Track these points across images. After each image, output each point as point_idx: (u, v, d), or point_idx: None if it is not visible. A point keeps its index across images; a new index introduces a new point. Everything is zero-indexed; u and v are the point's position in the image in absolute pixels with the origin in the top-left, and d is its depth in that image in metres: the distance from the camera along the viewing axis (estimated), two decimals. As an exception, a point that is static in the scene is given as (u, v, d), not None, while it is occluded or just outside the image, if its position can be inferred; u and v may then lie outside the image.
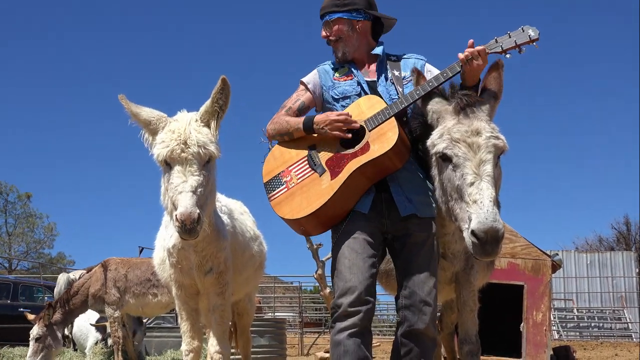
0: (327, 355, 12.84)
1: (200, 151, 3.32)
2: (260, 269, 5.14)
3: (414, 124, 3.38)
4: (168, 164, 3.32)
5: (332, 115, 3.26)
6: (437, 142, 3.03)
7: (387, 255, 3.47)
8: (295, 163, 3.38)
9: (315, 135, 3.35)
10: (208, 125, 3.45)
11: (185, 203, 3.14)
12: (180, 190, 3.21)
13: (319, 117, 3.31)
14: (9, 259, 38.81)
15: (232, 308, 4.29)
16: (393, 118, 3.20)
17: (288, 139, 3.44)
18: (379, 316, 26.17)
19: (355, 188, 3.24)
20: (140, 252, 13.23)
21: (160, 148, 3.32)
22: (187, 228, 3.13)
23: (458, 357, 5.19)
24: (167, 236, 4.00)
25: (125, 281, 8.77)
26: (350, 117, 3.26)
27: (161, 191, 3.45)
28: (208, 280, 3.93)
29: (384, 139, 3.17)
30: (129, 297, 8.76)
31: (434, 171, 3.14)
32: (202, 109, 3.49)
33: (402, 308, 3.22)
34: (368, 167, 3.18)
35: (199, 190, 3.25)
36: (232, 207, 4.53)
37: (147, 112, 3.43)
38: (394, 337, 3.41)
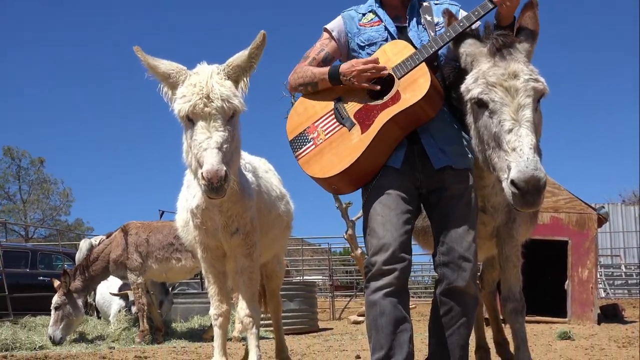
0: (361, 318, 13.01)
1: (225, 105, 3.34)
2: (288, 230, 5.18)
3: (447, 70, 3.34)
4: (190, 120, 3.34)
5: (358, 65, 3.22)
6: (471, 87, 3.00)
7: (423, 211, 3.48)
8: (321, 118, 3.36)
9: (342, 86, 3.33)
10: (234, 80, 3.48)
11: (212, 160, 3.17)
12: (205, 146, 3.23)
13: (345, 67, 3.27)
14: (25, 227, 39.55)
15: (260, 270, 4.34)
16: (423, 63, 3.17)
17: (312, 91, 3.42)
18: (413, 278, 26.33)
19: (388, 141, 3.22)
20: (161, 215, 13.38)
21: (181, 103, 3.33)
22: (214, 186, 3.16)
23: (501, 316, 5.25)
24: (189, 196, 4.05)
25: (146, 246, 8.90)
26: (378, 63, 3.23)
27: (183, 149, 3.48)
28: (235, 242, 3.99)
29: (415, 87, 3.14)
30: (152, 262, 8.90)
31: (469, 119, 3.11)
32: (234, 63, 3.50)
33: (440, 265, 3.23)
34: (400, 118, 3.15)
35: (225, 146, 3.28)
36: (256, 165, 4.56)
37: (166, 65, 3.44)
38: (431, 298, 3.43)
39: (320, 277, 26.12)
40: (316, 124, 3.37)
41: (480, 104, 2.97)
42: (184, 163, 3.54)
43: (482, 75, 2.97)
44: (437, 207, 3.29)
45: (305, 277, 22.24)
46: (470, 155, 3.31)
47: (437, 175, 3.25)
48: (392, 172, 3.23)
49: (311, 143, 3.34)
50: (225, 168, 3.20)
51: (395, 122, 3.16)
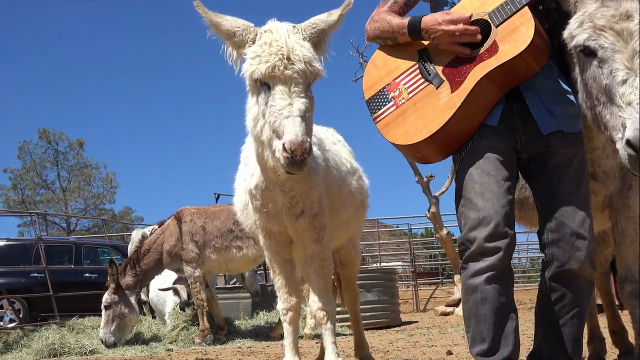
0: (449, 309, 12.99)
1: (307, 69, 3.34)
2: (362, 209, 5.18)
3: (546, 14, 3.27)
4: (265, 83, 3.35)
5: (444, 23, 3.12)
6: (576, 32, 2.92)
7: (520, 180, 3.42)
8: (403, 73, 3.31)
9: None
10: (314, 43, 3.50)
11: (295, 129, 3.17)
12: (287, 114, 3.23)
13: (429, 21, 3.19)
14: (66, 218, 40.76)
15: (333, 257, 4.37)
16: (526, 8, 3.05)
17: (392, 44, 3.38)
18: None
19: (483, 101, 3.15)
20: (217, 199, 13.58)
21: (256, 63, 3.33)
22: (297, 160, 3.17)
23: (617, 301, 5.14)
24: (247, 175, 4.10)
25: (203, 234, 9.02)
26: (470, 20, 3.13)
27: (250, 116, 3.48)
28: (300, 225, 4.02)
29: (516, 37, 3.04)
30: (210, 252, 9.03)
31: (575, 71, 3.04)
32: (319, 26, 3.54)
33: (548, 244, 3.15)
34: (498, 74, 3.07)
35: (307, 115, 3.29)
36: (322, 136, 4.56)
37: (230, 22, 3.45)
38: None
39: (400, 263, 26.15)
40: (397, 80, 3.32)
41: (588, 52, 2.89)
42: (248, 132, 3.57)
43: (588, 18, 2.89)
44: (542, 175, 3.22)
45: (382, 264, 22.27)
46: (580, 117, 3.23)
47: (541, 138, 3.17)
48: (490, 131, 3.17)
49: (392, 103, 3.30)
50: (309, 139, 3.22)
51: (492, 78, 3.08)
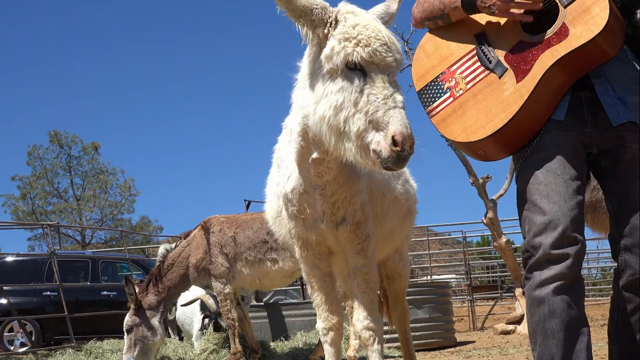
0: (511, 327, 12.89)
1: (401, 59, 3.37)
2: (410, 217, 5.17)
3: None
4: (358, 69, 3.35)
5: None
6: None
7: (591, 181, 3.39)
8: (459, 60, 3.31)
9: (485, 16, 3.27)
10: None
11: (405, 121, 3.16)
12: (392, 104, 3.22)
13: None
14: (81, 230, 41.15)
15: (378, 270, 4.37)
16: None
17: (444, 24, 3.38)
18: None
19: (553, 91, 3.12)
20: (247, 206, 13.64)
21: (352, 46, 3.33)
22: (405, 154, 3.15)
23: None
24: (281, 179, 4.11)
25: (234, 246, 9.03)
26: None
27: (327, 104, 3.42)
28: (342, 234, 4.03)
29: (588, 18, 3.01)
30: (241, 265, 9.02)
31: (651, 55, 3.01)
32: (382, 15, 3.59)
33: (621, 251, 3.14)
34: (569, 61, 3.04)
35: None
36: (363, 136, 4.56)
37: None
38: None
39: (454, 275, 26.03)
40: (453, 68, 3.32)
41: (665, 33, 2.87)
42: (318, 125, 3.48)
43: None
44: (614, 172, 3.21)
45: (434, 277, 22.19)
46: None
47: (613, 130, 3.15)
48: (555, 126, 3.15)
49: (448, 94, 3.29)
50: None
51: (562, 66, 3.06)
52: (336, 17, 3.41)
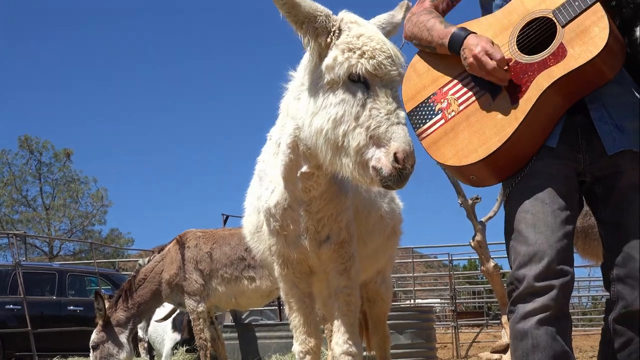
0: (496, 356, 12.86)
1: (403, 73, 3.40)
2: (394, 237, 5.19)
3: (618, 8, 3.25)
4: (361, 81, 3.35)
5: (478, 48, 3.13)
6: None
7: (583, 207, 3.40)
8: (452, 81, 3.31)
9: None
10: None
11: (407, 138, 3.17)
12: (396, 120, 3.22)
13: (470, 42, 3.20)
14: (48, 241, 40.87)
15: (359, 292, 4.36)
16: (598, 4, 3.04)
17: (429, 51, 3.41)
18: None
19: (548, 114, 3.13)
20: (225, 221, 13.61)
21: (356, 57, 3.33)
22: (406, 172, 3.17)
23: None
24: (264, 192, 4.11)
25: (210, 262, 8.99)
26: (504, 62, 3.10)
27: (325, 116, 3.41)
28: (325, 253, 4.03)
29: (587, 39, 3.01)
30: (217, 283, 8.99)
31: (650, 77, 3.03)
32: (385, 26, 3.65)
33: (613, 281, 3.15)
34: (566, 83, 3.05)
35: None
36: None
37: (311, 4, 3.46)
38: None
39: (439, 300, 26.06)
40: (445, 89, 3.31)
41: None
42: (316, 137, 3.45)
43: None
44: (608, 200, 3.22)
45: (417, 301, 22.19)
46: None
47: (607, 158, 3.16)
48: (547, 153, 3.16)
49: (439, 116, 3.29)
50: None
51: (559, 88, 3.06)
52: (340, 26, 3.41)
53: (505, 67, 3.10)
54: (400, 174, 3.14)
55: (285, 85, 3.88)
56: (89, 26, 70.99)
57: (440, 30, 3.33)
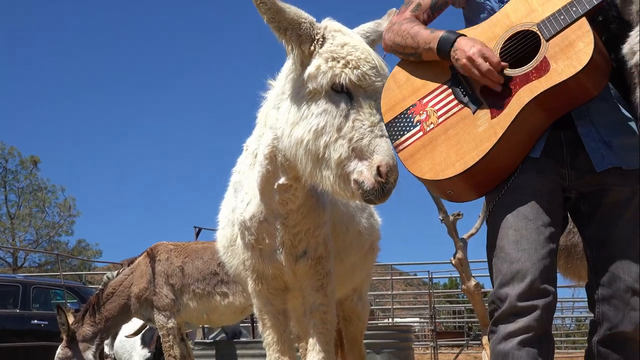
0: (476, 378, 12.93)
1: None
2: (372, 254, 5.20)
3: (605, 24, 3.28)
4: (345, 92, 3.37)
5: (472, 50, 3.12)
6: (638, 47, 2.93)
7: (568, 224, 3.42)
8: (432, 92, 3.30)
9: None
10: None
11: (391, 152, 3.22)
12: (380, 133, 3.27)
13: (461, 44, 3.19)
14: (12, 251, 40.52)
15: (335, 310, 4.36)
16: (584, 19, 3.05)
17: (415, 60, 3.39)
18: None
19: (530, 130, 3.14)
20: (198, 234, 13.57)
21: (340, 66, 3.36)
22: (389, 187, 3.20)
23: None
24: (239, 204, 4.11)
25: (181, 276, 8.93)
26: (499, 66, 3.09)
27: (305, 127, 3.42)
28: (301, 269, 4.04)
29: (571, 53, 3.02)
30: (188, 298, 8.93)
31: (636, 94, 3.03)
32: (370, 34, 3.74)
33: (598, 301, 3.17)
34: (549, 98, 3.05)
35: None
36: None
37: (295, 10, 3.48)
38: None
39: (418, 319, 26.04)
40: (425, 100, 3.31)
41: (651, 72, 2.91)
42: (290, 146, 3.48)
43: None
44: (594, 217, 3.23)
45: (396, 320, 22.18)
46: None
47: (593, 174, 3.17)
48: (531, 167, 3.17)
49: (418, 128, 3.28)
50: None
51: (541, 103, 3.06)
52: (324, 34, 3.44)
53: (499, 66, 3.10)
54: (382, 188, 3.17)
55: (264, 94, 3.89)
56: (56, 31, 70.58)
57: (426, 34, 3.31)
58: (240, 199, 4.10)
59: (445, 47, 3.22)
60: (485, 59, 3.09)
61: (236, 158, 4.40)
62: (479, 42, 3.17)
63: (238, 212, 4.10)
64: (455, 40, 3.20)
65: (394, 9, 3.71)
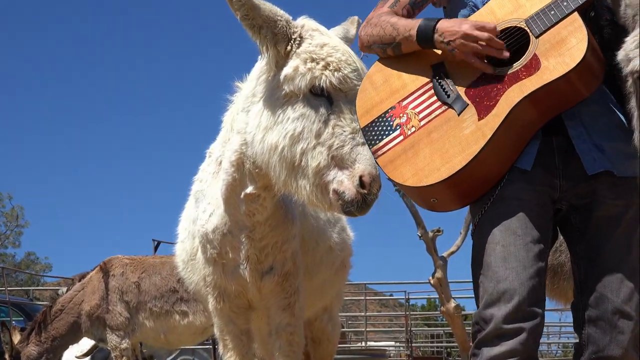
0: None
1: None
2: (343, 271, 5.20)
3: (597, 26, 3.31)
4: (324, 95, 3.39)
5: (466, 26, 3.10)
6: (633, 54, 2.94)
7: (557, 239, 3.43)
8: (413, 93, 3.26)
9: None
10: None
11: (372, 161, 3.21)
12: (362, 140, 3.27)
13: (446, 25, 3.17)
14: (-47, 264, 40.25)
15: (304, 331, 4.35)
16: (576, 14, 3.05)
17: (394, 54, 3.35)
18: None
19: (520, 132, 3.12)
20: (156, 247, 13.53)
21: (320, 68, 3.38)
22: (371, 198, 3.22)
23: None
24: (201, 215, 4.10)
25: (137, 293, 8.91)
26: (496, 32, 3.10)
27: (281, 132, 3.42)
28: (267, 286, 4.03)
29: (563, 50, 3.02)
30: (144, 317, 8.90)
31: (631, 103, 3.06)
32: (350, 35, 3.79)
33: (585, 323, 3.17)
34: (540, 97, 3.04)
35: None
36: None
37: (270, 7, 3.47)
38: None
39: (393, 343, 26.05)
40: (405, 102, 3.26)
41: (648, 81, 2.93)
42: (262, 153, 3.48)
43: None
44: (585, 233, 3.23)
45: (369, 343, 22.19)
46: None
47: (586, 184, 3.17)
48: (520, 177, 3.15)
49: (398, 132, 3.21)
50: None
51: (532, 103, 3.05)
52: (301, 33, 3.45)
53: (497, 33, 3.09)
54: (364, 199, 3.19)
55: (231, 97, 3.88)
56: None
57: (406, 22, 3.29)
58: (202, 209, 4.08)
59: (426, 33, 3.19)
60: (481, 28, 3.08)
61: (198, 165, 4.38)
62: (462, 18, 3.19)
63: (199, 224, 4.09)
64: (436, 23, 3.17)
65: (356, 17, 3.70)
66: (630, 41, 2.97)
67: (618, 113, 3.26)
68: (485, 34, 3.06)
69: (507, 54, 3.09)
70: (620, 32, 3.07)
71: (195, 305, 8.63)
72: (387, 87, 3.33)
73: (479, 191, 3.22)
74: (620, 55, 2.98)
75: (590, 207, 3.21)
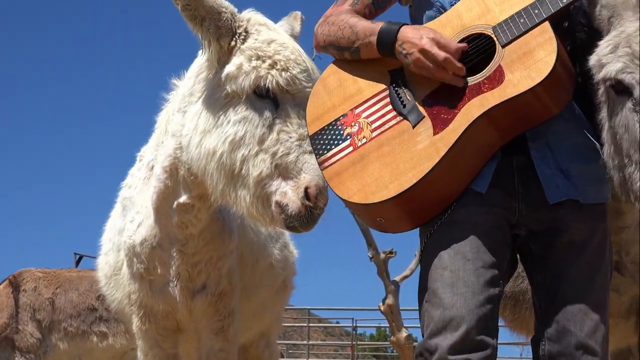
0: None
1: None
2: (285, 291, 5.21)
3: (570, 32, 3.34)
4: (270, 97, 3.40)
5: (425, 40, 3.09)
6: (607, 59, 2.98)
7: (517, 267, 3.46)
8: (367, 101, 3.26)
9: None
10: None
11: (319, 171, 3.18)
12: (308, 148, 3.28)
13: (409, 33, 3.18)
14: None
15: (238, 358, 4.35)
16: (547, 23, 3.07)
17: (351, 58, 3.36)
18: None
19: (478, 150, 3.14)
20: (78, 262, 13.43)
21: (266, 67, 3.38)
22: (317, 212, 3.23)
23: None
24: (128, 225, 4.08)
25: (51, 311, 8.82)
26: (457, 54, 3.09)
27: (221, 136, 3.43)
28: (198, 306, 4.02)
29: (530, 62, 3.03)
30: (57, 338, 8.81)
31: (602, 113, 3.09)
32: (295, 32, 3.85)
33: (545, 357, 3.19)
34: (501, 113, 3.05)
35: None
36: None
37: None
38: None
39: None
40: (358, 110, 3.26)
41: (620, 90, 2.95)
42: (198, 158, 3.48)
43: (625, 42, 2.95)
44: (545, 260, 3.25)
45: (312, 375, 22.22)
46: (607, 182, 3.24)
47: (547, 209, 3.19)
48: (474, 199, 3.17)
49: (347, 142, 3.22)
50: None
51: (492, 119, 3.07)
52: (246, 27, 3.45)
53: (458, 50, 3.08)
54: (310, 213, 3.20)
55: (166, 95, 3.87)
56: None
57: (366, 25, 3.28)
58: (130, 218, 4.05)
59: (387, 40, 3.19)
60: (441, 46, 3.07)
61: (128, 170, 4.35)
62: (428, 28, 3.17)
63: (126, 235, 4.06)
64: (398, 31, 3.17)
65: (298, 12, 3.72)
66: (604, 45, 3.00)
67: (587, 132, 3.28)
68: (442, 54, 3.06)
69: (461, 82, 3.09)
70: (595, 36, 3.10)
71: (116, 325, 8.57)
72: (341, 91, 3.32)
73: (430, 212, 3.23)
74: (593, 60, 3.01)
75: (552, 233, 3.24)
